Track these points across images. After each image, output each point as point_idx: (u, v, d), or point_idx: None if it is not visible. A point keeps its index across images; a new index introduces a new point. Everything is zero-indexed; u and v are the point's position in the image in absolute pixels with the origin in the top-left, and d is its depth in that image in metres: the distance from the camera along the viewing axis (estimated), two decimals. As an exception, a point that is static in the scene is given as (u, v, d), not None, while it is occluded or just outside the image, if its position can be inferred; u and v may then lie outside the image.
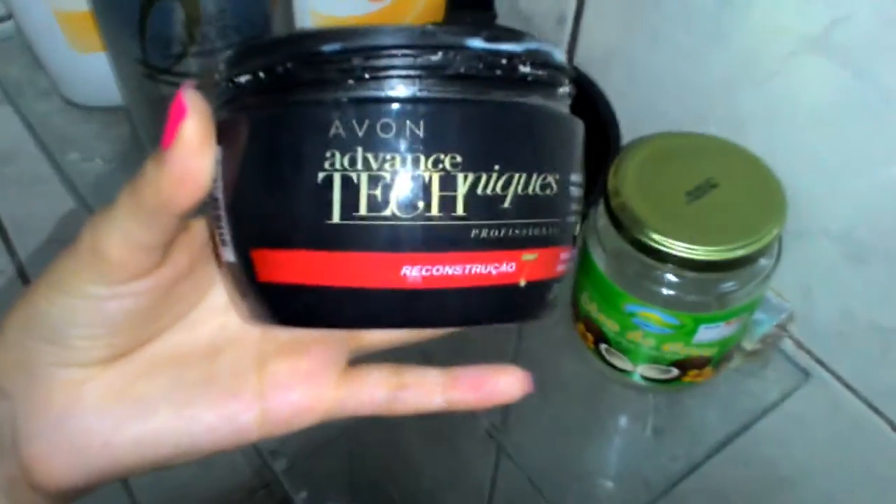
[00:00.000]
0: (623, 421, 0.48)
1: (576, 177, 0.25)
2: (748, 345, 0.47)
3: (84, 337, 0.24)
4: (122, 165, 0.57)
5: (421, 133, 0.21)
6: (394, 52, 0.22)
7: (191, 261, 0.25)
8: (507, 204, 0.22)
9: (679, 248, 0.39)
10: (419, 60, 0.22)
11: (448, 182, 0.22)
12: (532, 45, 0.23)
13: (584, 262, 0.44)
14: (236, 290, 0.25)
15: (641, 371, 0.45)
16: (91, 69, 0.56)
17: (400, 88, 0.22)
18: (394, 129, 0.21)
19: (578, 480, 0.46)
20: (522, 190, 0.23)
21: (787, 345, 0.49)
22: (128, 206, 0.22)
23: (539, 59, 0.23)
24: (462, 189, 0.22)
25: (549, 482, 0.45)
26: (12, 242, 0.74)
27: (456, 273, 0.22)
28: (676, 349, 0.43)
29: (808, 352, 0.49)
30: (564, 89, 0.25)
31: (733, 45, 0.43)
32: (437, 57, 0.22)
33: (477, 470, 0.45)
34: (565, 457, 0.47)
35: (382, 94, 0.22)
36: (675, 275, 0.40)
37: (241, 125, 0.23)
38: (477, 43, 0.22)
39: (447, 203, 0.22)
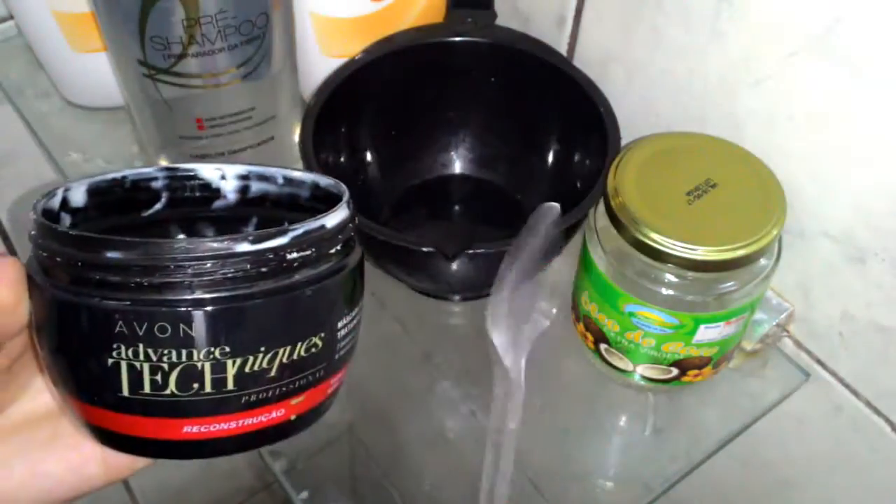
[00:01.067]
0: (623, 421, 0.48)
1: (344, 321, 0.29)
2: (748, 345, 0.47)
3: None
4: (122, 166, 0.57)
5: (193, 332, 0.25)
6: (168, 264, 0.25)
7: (23, 344, 0.28)
8: (273, 373, 0.26)
9: (679, 248, 0.39)
10: (191, 271, 0.25)
11: (219, 367, 0.26)
12: (299, 231, 0.26)
13: (584, 262, 0.44)
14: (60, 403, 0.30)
15: (641, 371, 0.45)
16: (91, 69, 0.56)
17: (175, 295, 0.25)
18: (169, 331, 0.25)
19: (578, 481, 0.46)
20: (287, 358, 0.27)
21: (787, 345, 0.49)
22: None
23: (308, 241, 0.27)
24: (231, 371, 0.26)
25: (549, 482, 0.45)
26: (12, 242, 0.74)
27: (230, 427, 0.27)
28: (676, 349, 0.43)
29: (808, 352, 0.49)
30: (339, 247, 0.28)
31: (733, 45, 0.43)
32: (207, 266, 0.25)
33: (477, 470, 0.45)
34: (565, 457, 0.47)
35: (159, 299, 0.25)
36: (675, 275, 0.40)
37: (46, 294, 0.26)
38: (244, 247, 0.25)
39: (219, 382, 0.26)
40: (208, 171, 0.33)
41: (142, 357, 0.25)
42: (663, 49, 0.47)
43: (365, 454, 0.49)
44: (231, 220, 0.34)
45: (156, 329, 0.25)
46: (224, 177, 0.33)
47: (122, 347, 0.25)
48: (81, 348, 0.26)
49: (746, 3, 0.42)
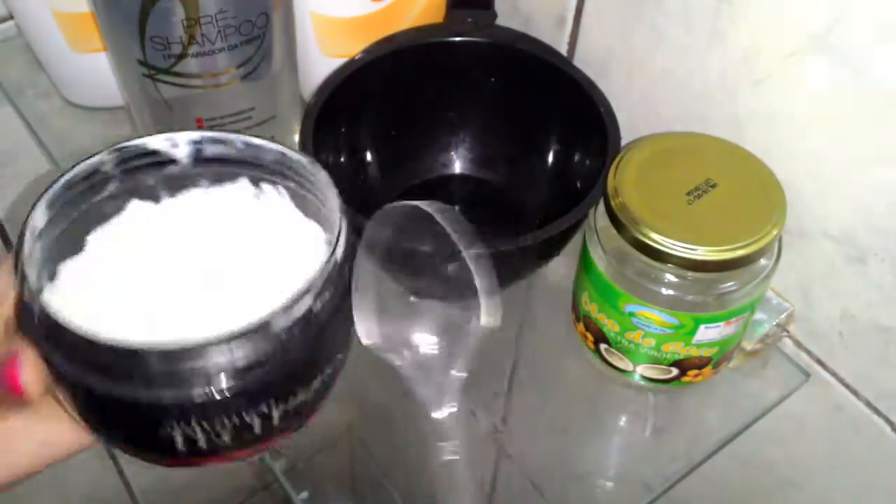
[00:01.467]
0: (623, 421, 0.48)
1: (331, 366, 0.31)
2: (748, 345, 0.47)
3: None
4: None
5: (244, 399, 0.27)
6: (211, 359, 0.26)
7: None
8: (308, 398, 0.29)
9: (679, 248, 0.39)
10: (232, 353, 0.26)
11: (266, 416, 0.28)
12: (319, 281, 0.28)
13: (584, 262, 0.44)
14: None
15: (641, 371, 0.45)
16: (91, 69, 0.56)
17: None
18: (220, 405, 0.27)
19: (578, 480, 0.46)
20: (319, 384, 0.30)
21: (787, 345, 0.49)
22: None
23: (326, 282, 0.28)
24: (276, 414, 0.28)
25: (549, 482, 0.45)
26: (12, 243, 0.74)
27: (265, 445, 0.30)
28: (676, 349, 0.43)
29: (808, 352, 0.49)
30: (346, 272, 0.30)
31: (733, 45, 0.43)
32: (248, 345, 0.26)
33: (477, 470, 0.45)
34: (565, 457, 0.47)
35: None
36: (675, 275, 0.40)
37: (80, 387, 0.27)
38: (282, 321, 0.27)
39: (267, 427, 0.28)
40: (157, 142, 0.32)
41: (194, 424, 0.27)
42: (664, 49, 0.47)
43: (365, 454, 0.49)
44: (184, 179, 0.34)
45: (207, 407, 0.26)
46: (175, 144, 0.32)
47: (175, 423, 0.26)
48: (131, 427, 0.28)
49: (746, 3, 0.42)
